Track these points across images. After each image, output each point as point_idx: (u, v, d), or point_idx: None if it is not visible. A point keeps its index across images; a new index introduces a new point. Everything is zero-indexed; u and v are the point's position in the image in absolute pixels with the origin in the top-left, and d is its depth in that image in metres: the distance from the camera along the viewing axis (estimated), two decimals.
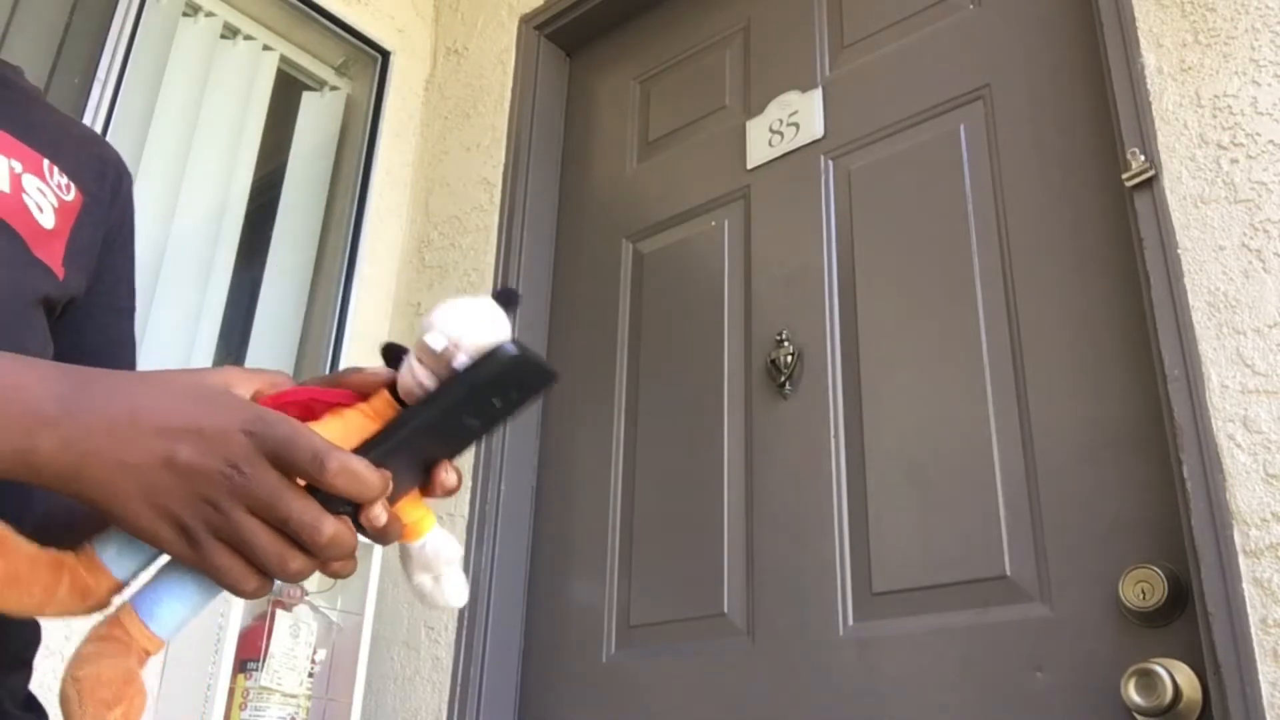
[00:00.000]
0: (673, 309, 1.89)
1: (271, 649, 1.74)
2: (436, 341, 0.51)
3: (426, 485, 0.55)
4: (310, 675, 1.80)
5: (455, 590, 0.57)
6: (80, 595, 0.52)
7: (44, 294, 0.74)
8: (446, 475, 0.55)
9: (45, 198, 0.75)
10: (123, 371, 0.55)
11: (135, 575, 0.54)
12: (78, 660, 0.51)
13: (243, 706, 1.72)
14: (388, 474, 0.51)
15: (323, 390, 0.56)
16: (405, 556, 0.57)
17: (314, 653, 1.82)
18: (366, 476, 0.50)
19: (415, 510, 0.56)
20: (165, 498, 0.50)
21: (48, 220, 0.75)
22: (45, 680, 0.81)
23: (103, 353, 0.84)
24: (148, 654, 0.52)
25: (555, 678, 1.77)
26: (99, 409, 0.51)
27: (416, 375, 0.52)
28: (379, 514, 0.52)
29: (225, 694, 1.66)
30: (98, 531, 0.53)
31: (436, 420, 0.52)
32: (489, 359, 0.51)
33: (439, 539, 0.57)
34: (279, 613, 1.78)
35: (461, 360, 0.51)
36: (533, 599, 1.86)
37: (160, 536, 0.51)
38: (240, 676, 1.73)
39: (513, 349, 0.50)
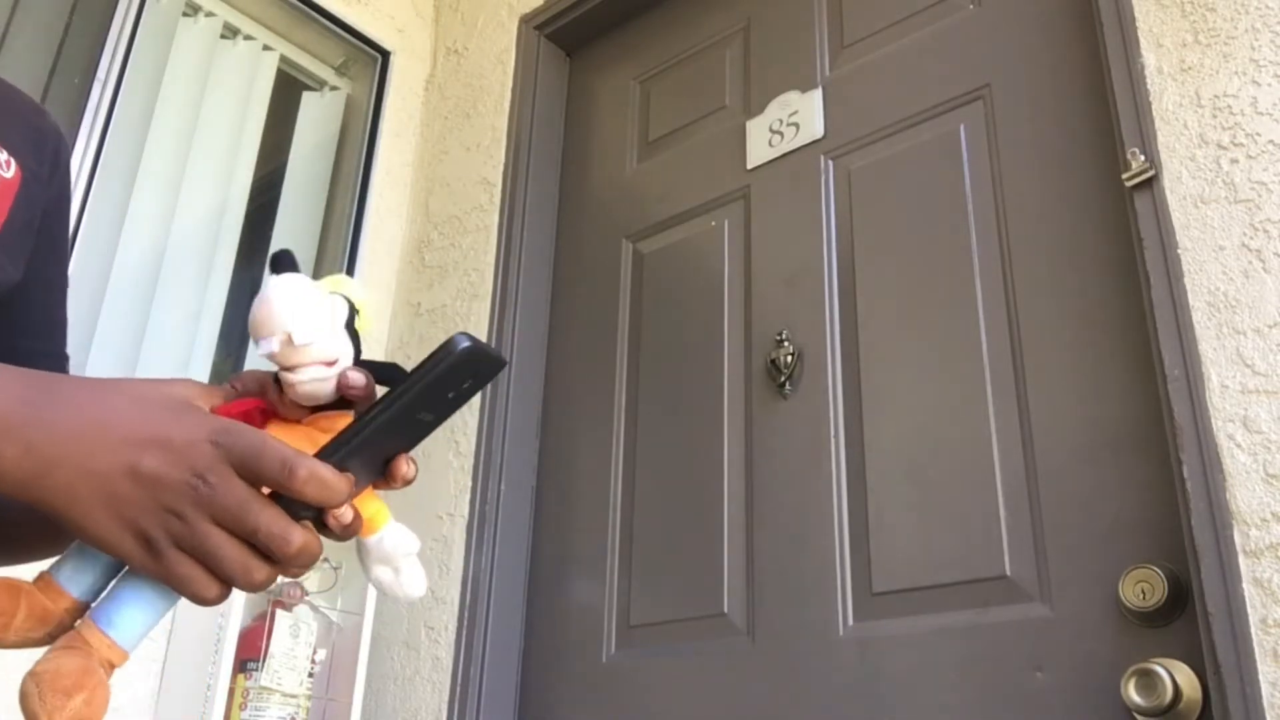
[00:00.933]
0: (673, 309, 1.89)
1: (271, 649, 1.74)
2: (267, 348, 0.53)
3: (384, 479, 0.56)
4: (310, 675, 1.80)
5: (414, 581, 0.58)
6: (39, 619, 0.51)
7: None
8: (407, 468, 0.55)
9: None
10: (89, 378, 0.54)
11: (94, 594, 0.53)
12: (37, 662, 0.50)
13: (243, 706, 1.72)
14: (351, 477, 0.51)
15: (258, 401, 0.55)
16: (363, 551, 0.57)
17: (314, 653, 1.82)
18: (333, 482, 0.50)
19: (371, 504, 0.56)
20: (128, 507, 0.49)
21: None
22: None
23: (39, 332, 0.82)
24: (112, 666, 0.51)
25: (555, 678, 1.77)
26: (64, 416, 0.51)
27: (290, 379, 0.53)
28: (345, 513, 0.52)
29: (225, 694, 1.66)
30: (44, 547, 0.53)
31: (393, 420, 0.52)
32: (441, 354, 0.51)
33: (396, 532, 0.57)
34: (279, 613, 1.78)
35: (301, 336, 0.52)
36: (533, 599, 1.86)
37: (121, 546, 0.50)
38: (240, 676, 1.73)
39: (465, 341, 0.51)
